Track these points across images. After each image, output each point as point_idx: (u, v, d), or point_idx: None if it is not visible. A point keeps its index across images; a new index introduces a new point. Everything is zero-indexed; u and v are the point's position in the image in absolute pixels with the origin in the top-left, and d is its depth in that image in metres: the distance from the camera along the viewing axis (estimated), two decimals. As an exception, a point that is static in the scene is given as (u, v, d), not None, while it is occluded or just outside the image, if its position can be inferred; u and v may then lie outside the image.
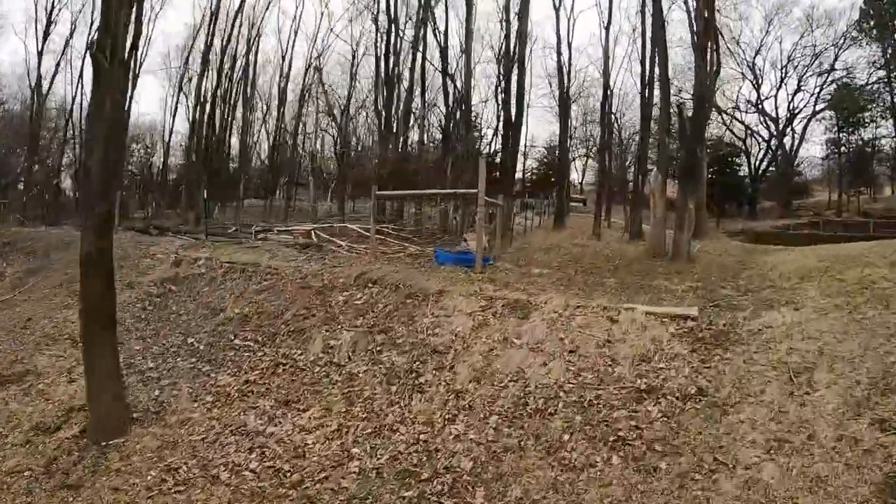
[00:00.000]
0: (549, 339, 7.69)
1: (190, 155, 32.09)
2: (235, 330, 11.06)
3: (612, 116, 34.48)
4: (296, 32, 51.15)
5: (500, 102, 25.40)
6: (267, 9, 38.47)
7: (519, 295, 9.51)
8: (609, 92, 24.08)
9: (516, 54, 22.06)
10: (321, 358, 9.12)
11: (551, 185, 43.26)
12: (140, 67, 36.70)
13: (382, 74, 25.37)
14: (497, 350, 7.84)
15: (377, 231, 16.90)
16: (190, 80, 36.23)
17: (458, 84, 24.42)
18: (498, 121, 23.27)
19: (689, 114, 15.07)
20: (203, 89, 32.51)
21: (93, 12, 34.17)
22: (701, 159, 13.83)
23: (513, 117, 22.49)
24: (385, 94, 24.77)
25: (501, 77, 23.65)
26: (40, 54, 32.89)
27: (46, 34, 32.88)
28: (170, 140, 40.75)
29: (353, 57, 33.80)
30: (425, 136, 27.69)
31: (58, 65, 33.83)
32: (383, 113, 24.97)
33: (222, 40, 34.17)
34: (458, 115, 24.30)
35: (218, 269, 13.35)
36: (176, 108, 39.18)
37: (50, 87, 34.53)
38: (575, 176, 57.52)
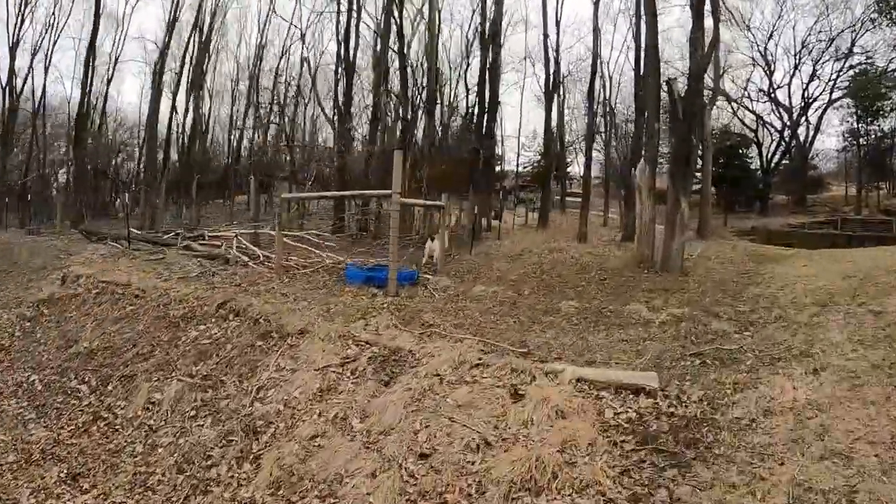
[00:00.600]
0: (400, 429, 4.99)
1: (153, 151, 29.54)
2: (78, 368, 8.67)
3: (609, 103, 31.68)
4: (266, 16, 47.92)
5: (468, 87, 22.76)
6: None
7: (404, 341, 6.90)
8: (598, 73, 21.36)
9: (490, 30, 19.29)
10: (139, 416, 6.66)
11: (554, 178, 40.56)
12: (115, 62, 34.54)
13: (343, 61, 22.70)
14: (324, 437, 5.19)
15: (305, 239, 14.36)
16: (160, 73, 33.58)
17: (420, 69, 21.76)
18: (469, 108, 20.46)
19: (682, 93, 12.28)
20: (172, 82, 30.10)
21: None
22: (695, 147, 11.02)
23: (486, 102, 19.73)
24: (345, 82, 22.15)
25: (468, 59, 20.88)
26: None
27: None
28: (147, 135, 38.36)
29: (303, 39, 30.95)
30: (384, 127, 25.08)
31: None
32: (341, 103, 22.31)
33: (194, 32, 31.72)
34: (417, 102, 21.69)
35: (92, 290, 10.82)
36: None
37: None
38: (577, 169, 54.59)
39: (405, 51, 21.17)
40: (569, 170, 47.55)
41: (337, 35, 23.75)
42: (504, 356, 6.16)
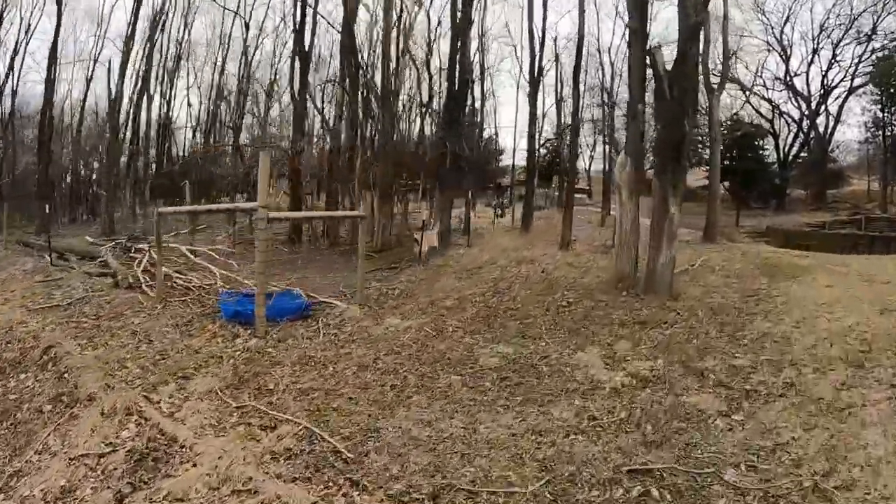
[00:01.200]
0: None
1: (113, 154, 27.39)
2: None
3: (609, 92, 29.03)
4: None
5: (430, 74, 20.26)
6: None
7: (190, 426, 4.61)
8: (586, 54, 18.77)
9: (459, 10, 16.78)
10: None
11: (558, 173, 38.14)
12: (95, 62, 32.49)
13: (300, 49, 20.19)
14: None
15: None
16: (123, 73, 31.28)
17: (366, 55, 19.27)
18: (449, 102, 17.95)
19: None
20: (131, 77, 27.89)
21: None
22: (690, 133, 8.49)
23: (456, 89, 17.23)
24: (299, 72, 19.70)
25: (431, 44, 18.30)
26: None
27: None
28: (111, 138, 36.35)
29: (246, 28, 28.38)
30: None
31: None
32: (296, 94, 19.83)
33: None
34: (367, 94, 19.21)
35: None
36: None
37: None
38: (582, 163, 51.54)
39: (349, 31, 18.61)
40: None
41: (294, 23, 21.29)
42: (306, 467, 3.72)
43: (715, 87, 20.38)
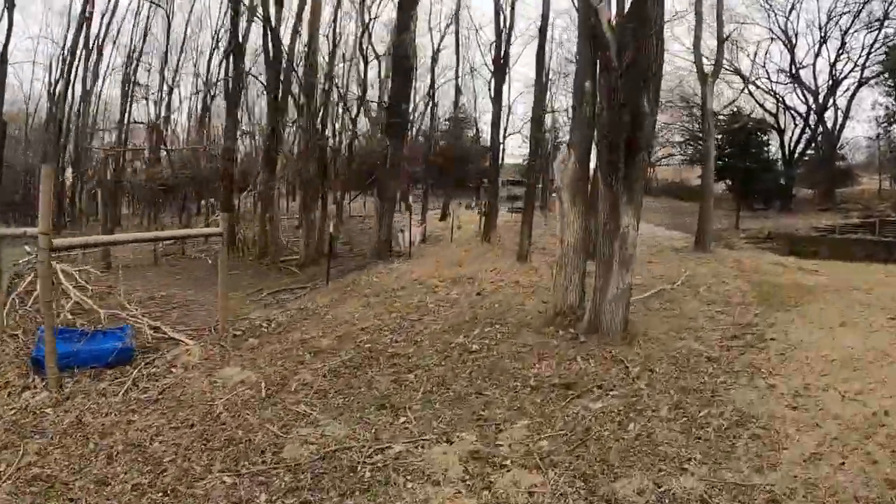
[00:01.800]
0: None
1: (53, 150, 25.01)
2: None
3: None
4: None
5: (364, 56, 17.66)
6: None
7: None
8: (552, 36, 16.08)
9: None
10: None
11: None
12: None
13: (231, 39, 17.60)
14: None
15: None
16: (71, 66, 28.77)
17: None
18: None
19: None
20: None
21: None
22: (648, 117, 5.81)
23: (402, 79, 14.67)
24: (232, 67, 17.15)
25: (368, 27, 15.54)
26: None
27: None
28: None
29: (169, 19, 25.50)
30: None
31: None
32: (229, 90, 17.25)
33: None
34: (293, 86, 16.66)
35: None
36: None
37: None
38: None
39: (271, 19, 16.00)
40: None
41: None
42: None
43: (708, 73, 17.78)
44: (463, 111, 39.74)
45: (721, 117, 28.85)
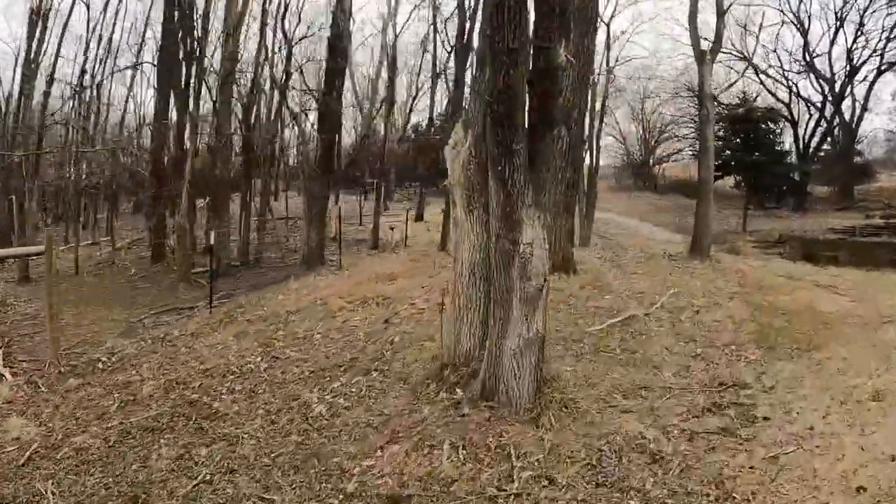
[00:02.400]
0: None
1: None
2: None
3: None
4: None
5: (286, 37, 15.12)
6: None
7: None
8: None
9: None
10: None
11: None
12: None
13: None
14: None
15: None
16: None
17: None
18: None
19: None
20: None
21: None
22: (564, 69, 3.24)
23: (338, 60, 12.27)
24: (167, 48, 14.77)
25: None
26: None
27: None
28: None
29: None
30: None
31: None
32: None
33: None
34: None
35: None
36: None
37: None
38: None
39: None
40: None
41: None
42: None
43: (707, 51, 15.19)
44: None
45: (725, 105, 26.16)
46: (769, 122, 23.38)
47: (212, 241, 11.14)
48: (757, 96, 25.03)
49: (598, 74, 19.28)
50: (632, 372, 5.64)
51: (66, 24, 20.24)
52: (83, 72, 19.32)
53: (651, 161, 41.25)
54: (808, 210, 27.15)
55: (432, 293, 9.47)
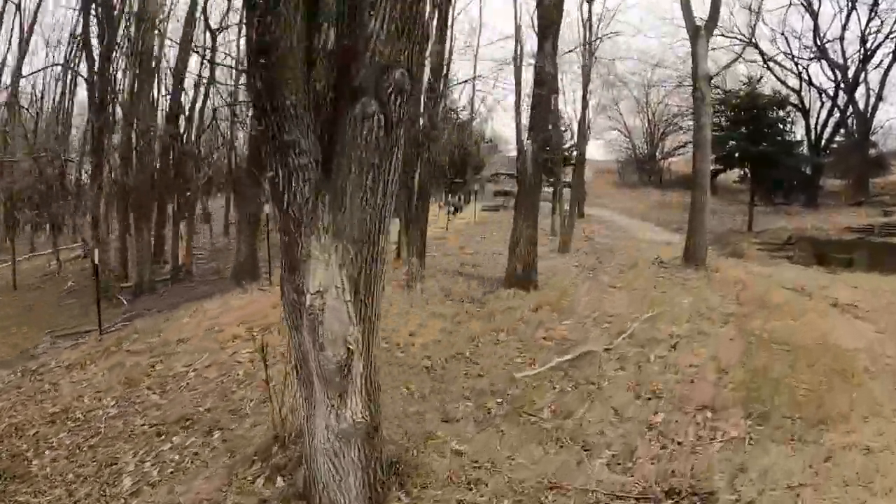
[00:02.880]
0: None
1: None
2: None
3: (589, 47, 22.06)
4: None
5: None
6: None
7: None
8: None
9: None
10: None
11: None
12: None
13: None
14: None
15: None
16: None
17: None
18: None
19: None
20: None
21: None
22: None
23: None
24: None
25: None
26: None
27: None
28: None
29: None
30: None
31: None
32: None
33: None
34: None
35: None
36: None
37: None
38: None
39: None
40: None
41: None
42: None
43: (701, 27, 13.18)
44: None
45: (727, 91, 24.05)
46: (776, 110, 21.04)
47: (95, 259, 9.31)
48: (760, 77, 22.60)
49: (575, 50, 17.25)
50: (550, 455, 3.79)
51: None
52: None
53: (657, 155, 39.11)
54: (820, 205, 24.96)
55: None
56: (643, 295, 9.65)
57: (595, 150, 44.23)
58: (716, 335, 6.75)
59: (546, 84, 10.67)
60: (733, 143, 19.94)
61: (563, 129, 36.80)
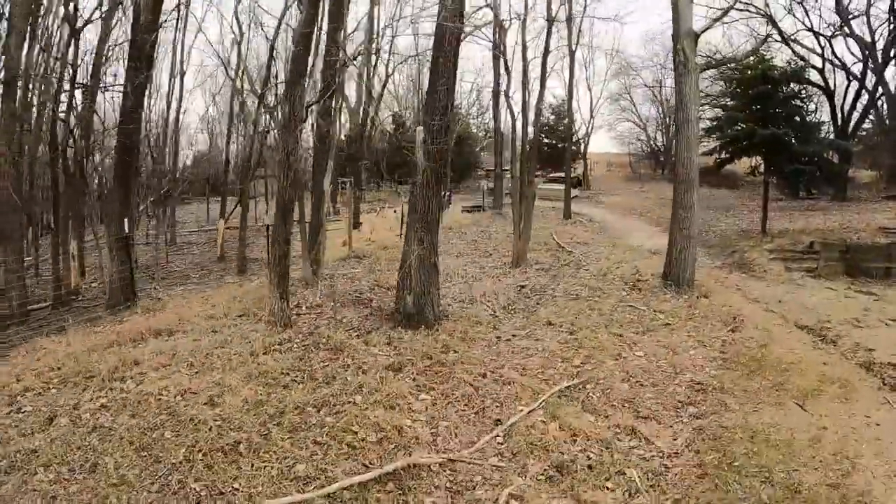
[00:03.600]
0: None
1: None
2: None
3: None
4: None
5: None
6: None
7: None
8: None
9: None
10: None
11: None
12: None
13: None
14: None
15: None
16: None
17: None
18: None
19: None
20: None
21: None
22: None
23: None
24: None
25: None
26: None
27: None
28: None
29: None
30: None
31: None
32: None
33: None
34: None
35: None
36: None
37: None
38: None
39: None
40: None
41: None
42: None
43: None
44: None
45: (733, 65, 20.48)
46: (790, 81, 16.97)
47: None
48: (767, 37, 18.37)
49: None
50: None
51: None
52: None
53: (673, 147, 35.86)
54: (849, 200, 21.27)
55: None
56: (580, 343, 6.42)
57: (610, 143, 41.26)
58: (656, 454, 3.53)
59: (444, 46, 7.48)
60: (741, 127, 16.14)
61: (564, 118, 34.29)
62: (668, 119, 35.58)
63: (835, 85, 25.00)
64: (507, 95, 13.34)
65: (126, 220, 10.20)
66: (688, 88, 9.54)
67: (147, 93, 12.88)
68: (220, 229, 17.10)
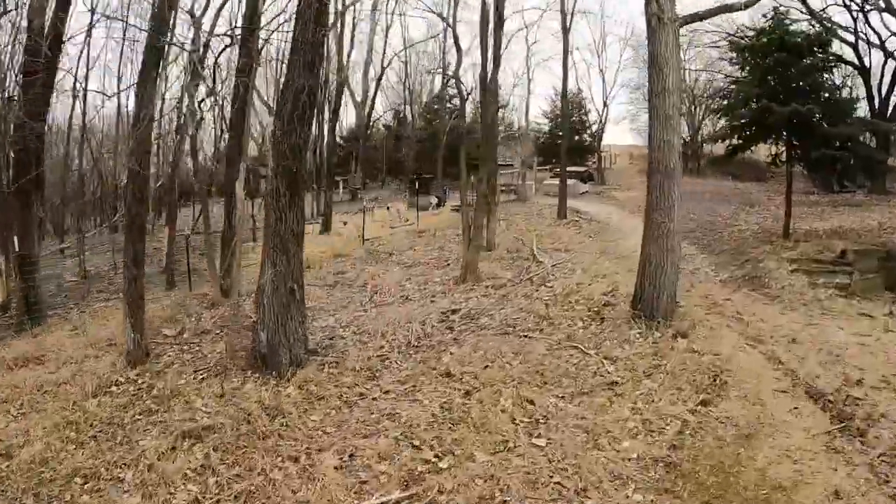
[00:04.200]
0: None
1: None
2: None
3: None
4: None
5: None
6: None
7: None
8: None
9: None
10: None
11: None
12: None
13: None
14: None
15: None
16: None
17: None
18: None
19: None
20: None
21: None
22: None
23: None
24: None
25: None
26: None
27: None
28: None
29: None
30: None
31: None
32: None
33: None
34: None
35: None
36: None
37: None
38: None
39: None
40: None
41: None
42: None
43: None
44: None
45: (745, 33, 17.66)
46: (813, 48, 13.72)
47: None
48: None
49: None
50: None
51: None
52: None
53: (700, 138, 32.88)
54: (888, 193, 18.32)
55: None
56: (461, 416, 4.22)
57: (634, 135, 38.52)
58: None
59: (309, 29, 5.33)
60: (756, 104, 13.24)
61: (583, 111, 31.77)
62: (694, 107, 32.77)
63: (870, 64, 22.14)
64: (456, 78, 11.15)
65: (24, 237, 8.97)
66: (663, 47, 7.09)
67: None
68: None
